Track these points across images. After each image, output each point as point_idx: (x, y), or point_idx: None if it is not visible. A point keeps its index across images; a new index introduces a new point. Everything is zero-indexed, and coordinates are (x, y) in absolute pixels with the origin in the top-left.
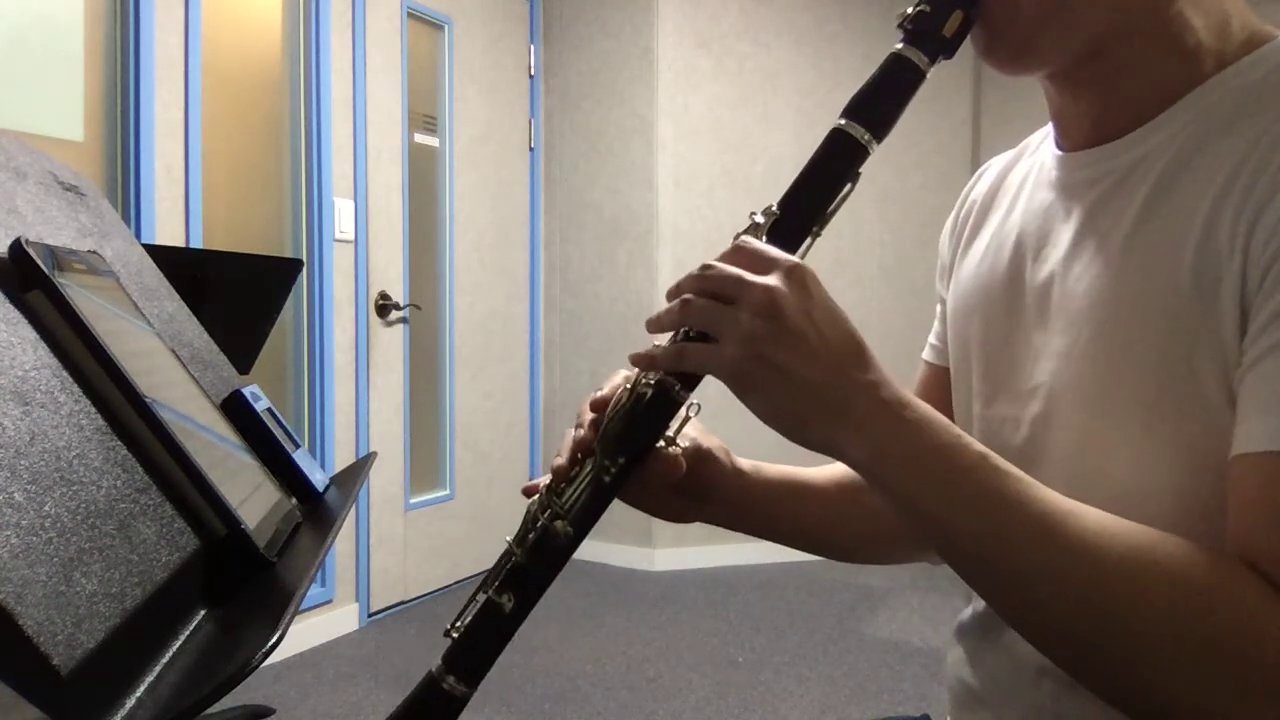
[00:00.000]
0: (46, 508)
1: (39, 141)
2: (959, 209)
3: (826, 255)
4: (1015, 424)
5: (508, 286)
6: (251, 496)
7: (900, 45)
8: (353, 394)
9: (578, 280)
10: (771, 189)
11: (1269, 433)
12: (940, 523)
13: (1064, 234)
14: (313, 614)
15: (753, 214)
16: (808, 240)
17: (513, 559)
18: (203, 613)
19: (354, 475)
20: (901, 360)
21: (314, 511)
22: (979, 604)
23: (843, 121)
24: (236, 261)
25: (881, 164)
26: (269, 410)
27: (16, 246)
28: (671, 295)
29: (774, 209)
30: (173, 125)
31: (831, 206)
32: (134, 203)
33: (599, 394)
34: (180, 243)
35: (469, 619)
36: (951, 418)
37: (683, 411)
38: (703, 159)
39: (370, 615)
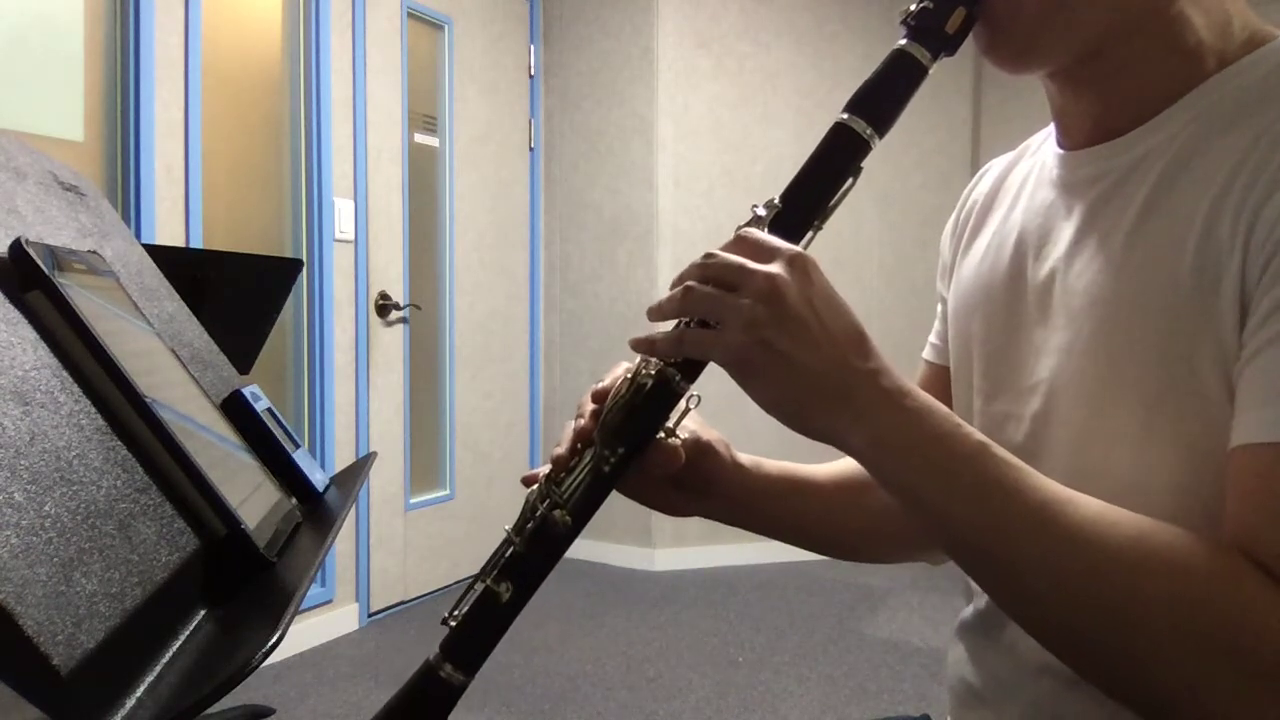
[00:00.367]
0: (46, 508)
1: (39, 141)
2: (960, 209)
3: (826, 255)
4: (1016, 421)
5: (508, 286)
6: (251, 496)
7: (903, 41)
8: (353, 394)
9: (578, 280)
10: (771, 189)
11: (1266, 424)
12: (940, 511)
13: (1065, 231)
14: (313, 614)
15: (754, 207)
16: (809, 233)
17: (511, 548)
18: (203, 613)
19: (354, 475)
20: (901, 360)
21: (314, 511)
22: (980, 603)
23: (845, 116)
24: (236, 261)
25: (882, 164)
26: (269, 410)
27: (16, 246)
28: (674, 285)
29: (776, 202)
30: (173, 125)
31: (833, 200)
32: (134, 203)
33: (600, 385)
34: (180, 243)
35: (466, 607)
36: None
37: (683, 403)
38: (703, 159)
39: (370, 615)
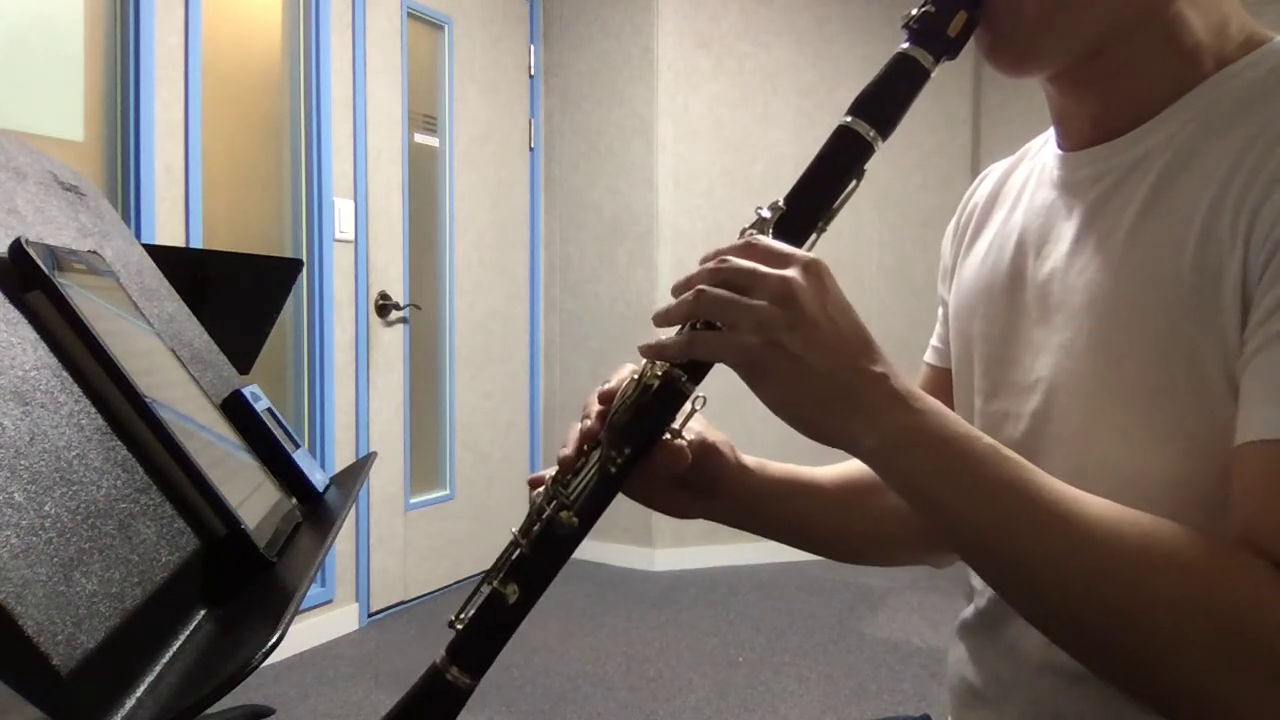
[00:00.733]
0: (46, 508)
1: (39, 141)
2: (961, 212)
3: (827, 255)
4: (1015, 418)
5: (508, 286)
6: (251, 496)
7: (906, 45)
8: (353, 394)
9: (578, 280)
10: (772, 189)
11: (1268, 421)
12: (951, 512)
13: (1066, 231)
14: (313, 614)
15: (759, 209)
16: (813, 235)
17: (518, 550)
18: (203, 613)
19: (354, 475)
20: (902, 360)
21: (314, 511)
22: (980, 602)
23: (849, 119)
24: (236, 261)
25: (882, 164)
26: (269, 410)
27: (16, 246)
28: (680, 290)
29: (780, 204)
30: (173, 125)
31: (837, 202)
32: (134, 203)
33: (606, 386)
34: (180, 243)
35: (473, 610)
36: None
37: (688, 405)
38: (703, 159)
39: (370, 615)
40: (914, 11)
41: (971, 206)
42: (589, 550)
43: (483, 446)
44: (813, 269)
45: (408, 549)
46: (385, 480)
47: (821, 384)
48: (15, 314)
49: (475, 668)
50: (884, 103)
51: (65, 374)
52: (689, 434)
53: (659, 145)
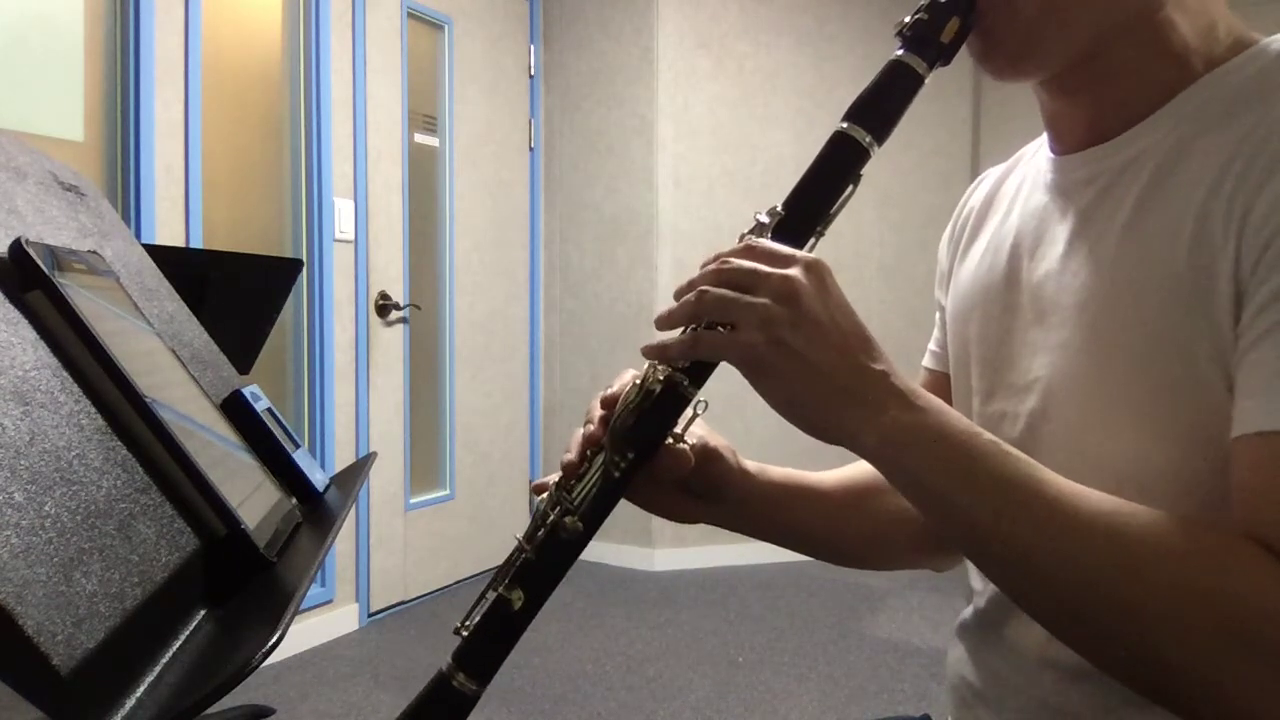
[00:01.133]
0: (46, 508)
1: (39, 141)
2: (957, 217)
3: (827, 255)
4: (1013, 419)
5: (508, 286)
6: (251, 496)
7: (900, 52)
8: (353, 394)
9: (578, 280)
10: (771, 189)
11: (1265, 413)
12: (952, 508)
13: (1060, 233)
14: (313, 614)
15: (757, 214)
16: (812, 240)
17: (523, 555)
18: (203, 613)
19: (354, 475)
20: (901, 361)
21: (314, 511)
22: (980, 602)
23: (845, 125)
24: (236, 261)
25: (882, 165)
26: (269, 410)
27: (16, 246)
28: (682, 293)
29: (778, 209)
30: (173, 125)
31: (834, 207)
32: (134, 203)
33: (608, 391)
34: (180, 243)
35: (479, 616)
36: None
37: (690, 410)
38: (703, 159)
39: (370, 615)
40: (907, 19)
41: (967, 212)
42: (589, 550)
43: (483, 446)
44: (814, 268)
45: (408, 549)
46: (385, 480)
47: (823, 381)
48: (15, 314)
49: (481, 674)
50: (879, 109)
51: (65, 374)
52: (691, 438)
53: (659, 145)
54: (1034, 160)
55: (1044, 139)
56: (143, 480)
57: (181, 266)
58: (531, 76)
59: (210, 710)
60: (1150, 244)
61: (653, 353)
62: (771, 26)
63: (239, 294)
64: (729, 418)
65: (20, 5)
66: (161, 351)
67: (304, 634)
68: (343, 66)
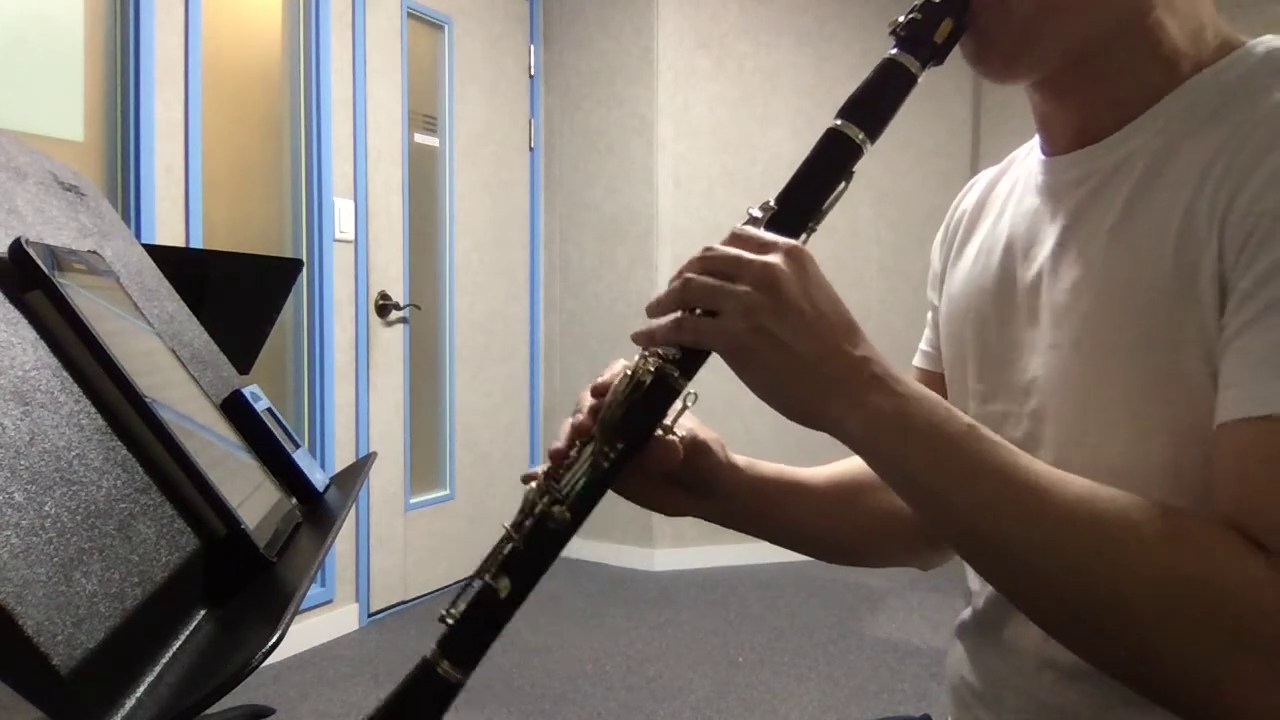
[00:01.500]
0: (46, 508)
1: (39, 141)
2: (949, 220)
3: (826, 255)
4: (1015, 419)
5: (508, 286)
6: (251, 496)
7: (894, 51)
8: (353, 394)
9: (578, 280)
10: (771, 189)
11: (1247, 400)
12: (934, 493)
13: (1051, 233)
14: (313, 614)
15: (750, 209)
16: (804, 235)
17: (510, 544)
18: (203, 613)
19: (354, 475)
20: (901, 359)
21: (314, 511)
22: (978, 603)
23: (838, 122)
24: (236, 261)
25: (881, 164)
26: (269, 410)
27: (16, 246)
28: (672, 281)
29: (771, 204)
30: (173, 125)
31: (827, 203)
32: (134, 203)
33: (599, 380)
34: (180, 243)
35: (465, 604)
36: None
37: (679, 402)
38: (703, 159)
39: (370, 615)
40: (901, 18)
41: (960, 214)
42: (589, 550)
43: (483, 446)
44: (795, 255)
45: (408, 549)
46: (385, 480)
47: (805, 368)
48: (15, 314)
49: (466, 661)
50: (872, 106)
51: (65, 374)
52: (681, 430)
53: (659, 145)
54: (1025, 163)
55: (1035, 141)
56: (143, 480)
57: (181, 266)
58: (531, 76)
59: (210, 710)
60: (1138, 246)
61: (641, 338)
62: (771, 26)
63: (239, 294)
64: (725, 414)
65: (20, 5)
66: (161, 351)
67: (304, 634)
68: (343, 66)
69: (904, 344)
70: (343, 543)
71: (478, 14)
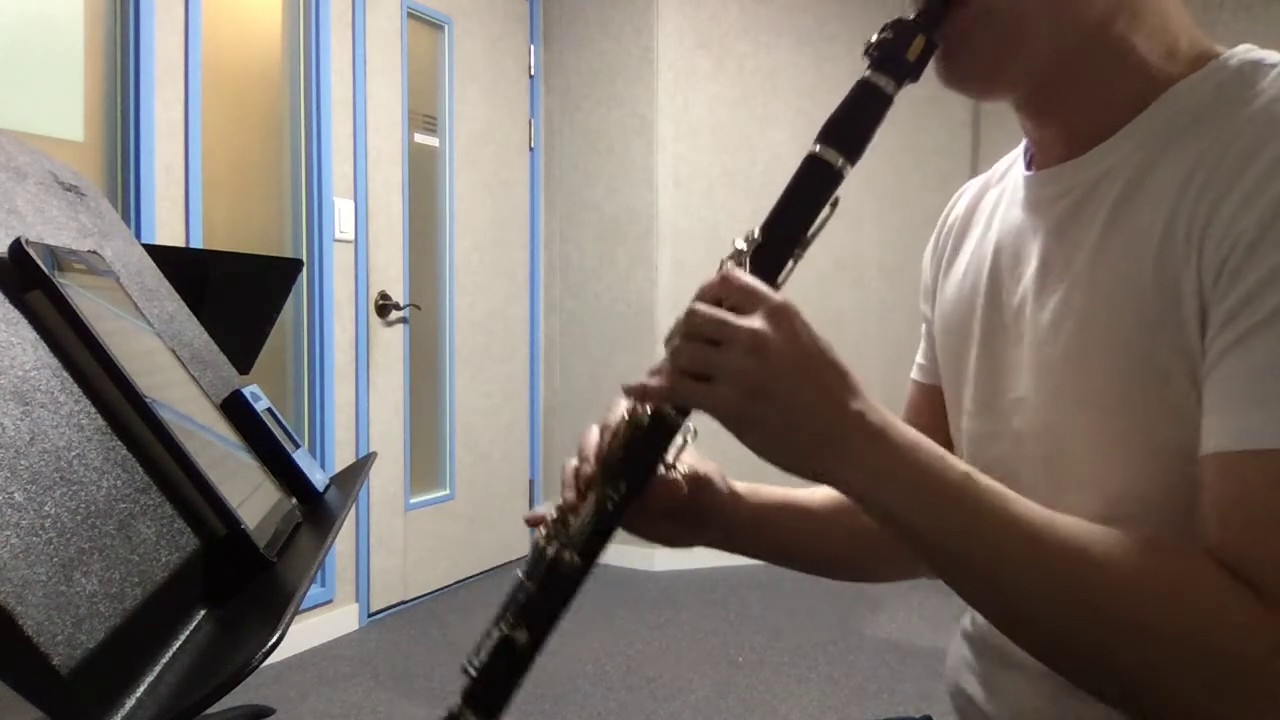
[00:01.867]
0: (46, 508)
1: (39, 141)
2: (939, 231)
3: (826, 256)
4: (1000, 438)
5: (508, 286)
6: (251, 496)
7: (868, 72)
8: (353, 394)
9: (578, 280)
10: (771, 189)
11: (1226, 432)
12: (929, 539)
13: (1034, 250)
14: (313, 614)
15: (735, 240)
16: (790, 264)
17: (524, 592)
18: (203, 613)
19: (354, 475)
20: (903, 361)
21: (314, 511)
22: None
23: (817, 148)
24: (236, 261)
25: (882, 165)
26: (269, 410)
27: (16, 246)
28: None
29: (756, 235)
30: (173, 125)
31: (811, 231)
32: (134, 203)
33: (599, 426)
34: (180, 243)
35: (485, 655)
36: (943, 435)
37: (680, 437)
38: (703, 159)
39: (370, 615)
40: (873, 38)
41: (949, 225)
42: None
43: (483, 446)
44: (779, 314)
45: (408, 549)
46: (385, 480)
47: (798, 429)
48: (15, 314)
49: (490, 712)
50: (850, 130)
51: (65, 374)
52: (682, 466)
53: (659, 145)
54: (1009, 175)
55: (1019, 152)
56: (143, 480)
57: (181, 266)
58: (531, 76)
59: (210, 710)
60: (1119, 264)
61: (635, 392)
62: (771, 26)
63: (239, 294)
64: (722, 433)
65: (20, 5)
66: (161, 351)
67: (304, 634)
68: (343, 66)
69: (905, 345)
70: (343, 543)
71: (478, 14)
